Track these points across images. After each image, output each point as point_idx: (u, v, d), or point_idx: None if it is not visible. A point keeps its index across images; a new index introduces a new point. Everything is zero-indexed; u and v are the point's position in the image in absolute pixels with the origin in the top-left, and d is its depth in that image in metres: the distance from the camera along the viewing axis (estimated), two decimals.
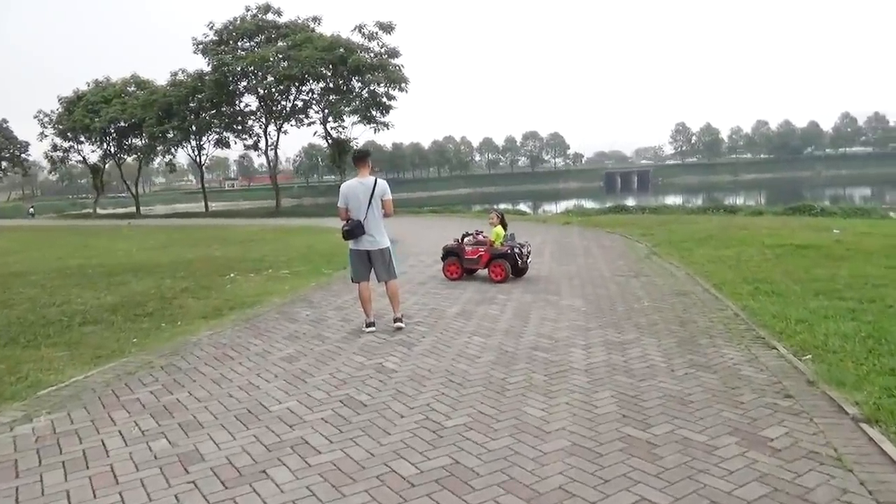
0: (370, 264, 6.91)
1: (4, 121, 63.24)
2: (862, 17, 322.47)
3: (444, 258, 10.29)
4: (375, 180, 6.76)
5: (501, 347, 6.02)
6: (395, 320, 6.96)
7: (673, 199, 73.59)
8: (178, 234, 22.36)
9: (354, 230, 6.71)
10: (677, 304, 7.65)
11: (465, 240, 10.13)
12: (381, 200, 6.77)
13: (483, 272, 10.06)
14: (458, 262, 10.03)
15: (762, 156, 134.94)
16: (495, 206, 30.09)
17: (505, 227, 10.00)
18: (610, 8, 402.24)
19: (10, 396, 5.00)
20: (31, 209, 59.86)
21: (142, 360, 6.00)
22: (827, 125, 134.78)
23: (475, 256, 9.87)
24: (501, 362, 5.55)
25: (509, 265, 9.56)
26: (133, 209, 54.71)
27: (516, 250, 9.62)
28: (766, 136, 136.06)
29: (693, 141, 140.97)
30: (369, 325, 6.87)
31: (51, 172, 58.94)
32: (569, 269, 10.89)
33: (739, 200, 71.10)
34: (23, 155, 64.60)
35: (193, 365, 5.78)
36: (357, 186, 6.74)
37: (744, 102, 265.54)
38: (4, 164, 66.32)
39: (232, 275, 11.51)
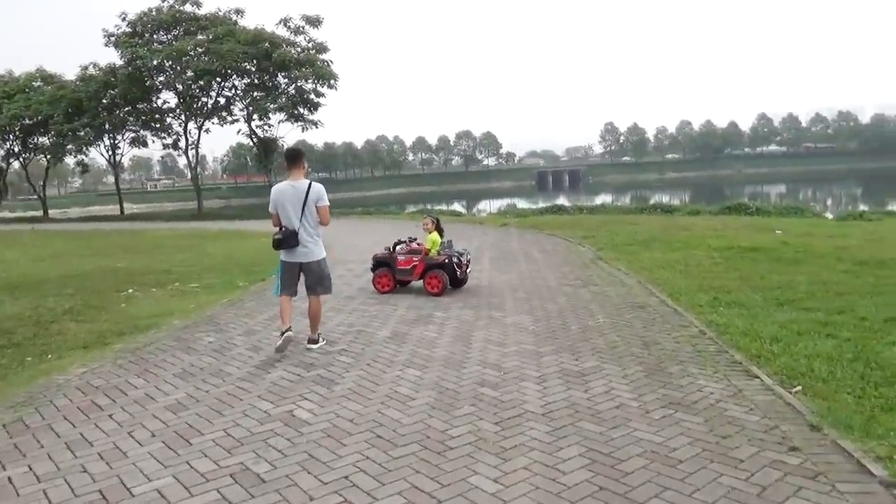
0: (298, 278, 6.24)
1: None
2: (777, 20, 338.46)
3: (373, 269, 9.21)
4: (310, 184, 6.03)
5: (441, 384, 5.00)
6: (311, 341, 6.22)
7: (604, 198, 74.75)
8: (80, 241, 20.33)
9: (287, 239, 6.02)
10: (635, 321, 6.83)
11: (398, 248, 9.09)
12: (317, 207, 6.07)
13: (418, 284, 9.04)
14: (389, 274, 8.98)
15: (685, 156, 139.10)
16: (429, 212, 29.11)
17: (441, 233, 9.02)
18: (540, 7, 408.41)
19: None
20: None
21: None
22: (745, 125, 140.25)
23: (409, 267, 8.84)
24: (441, 405, 4.54)
25: (447, 276, 8.58)
26: (43, 212, 50.97)
27: (454, 259, 8.65)
28: (689, 135, 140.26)
29: (621, 140, 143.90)
30: (285, 332, 5.99)
31: None
32: (511, 277, 10.00)
33: (666, 198, 72.77)
34: None
35: (48, 421, 4.51)
36: (288, 190, 6.04)
37: (669, 103, 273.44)
38: None
39: (130, 290, 10.07)
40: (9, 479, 3.62)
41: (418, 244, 9.08)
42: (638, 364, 5.33)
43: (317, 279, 6.22)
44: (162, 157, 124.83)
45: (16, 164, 50.59)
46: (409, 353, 5.88)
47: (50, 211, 51.65)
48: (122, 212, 46.70)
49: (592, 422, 4.16)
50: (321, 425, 4.23)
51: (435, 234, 8.89)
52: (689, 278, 9.07)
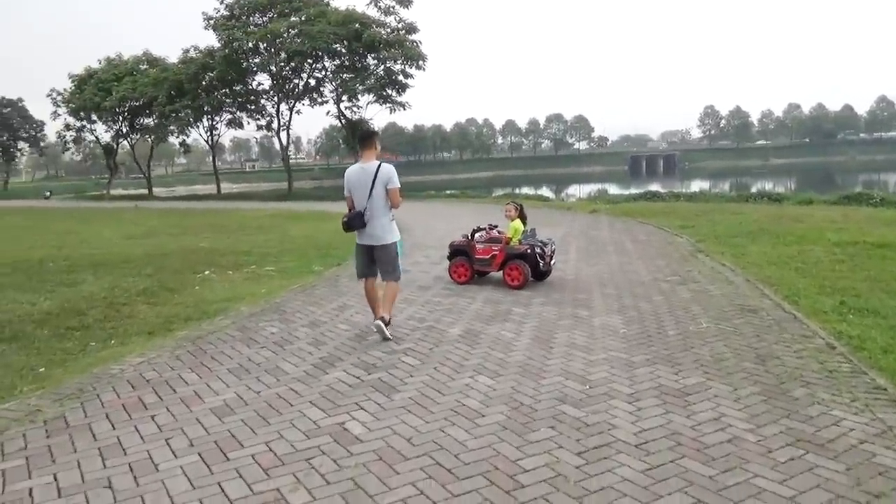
0: (373, 261, 6.06)
1: (20, 100, 62.46)
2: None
3: (450, 258, 8.62)
4: (379, 165, 5.84)
5: (515, 397, 4.35)
6: (380, 320, 5.86)
7: (700, 185, 71.23)
8: (174, 220, 20.91)
9: (353, 222, 5.91)
10: (746, 327, 5.90)
11: (477, 235, 8.44)
12: (386, 189, 5.86)
13: (497, 275, 8.38)
14: (467, 263, 8.36)
15: (793, 140, 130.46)
16: (512, 197, 28.23)
17: (524, 220, 8.29)
18: None
19: None
20: (48, 192, 59.05)
21: (26, 406, 4.42)
22: (862, 109, 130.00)
23: (488, 256, 8.18)
24: (514, 425, 3.89)
25: (528, 268, 7.86)
26: (148, 190, 53.75)
27: (537, 250, 7.91)
28: (798, 119, 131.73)
29: (722, 125, 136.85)
30: (377, 322, 5.87)
31: (63, 152, 57.86)
32: (600, 270, 9.15)
33: (769, 186, 68.56)
34: (38, 134, 63.84)
35: (90, 419, 4.19)
36: (359, 172, 5.90)
37: (776, 85, 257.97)
38: (21, 143, 65.75)
39: (207, 272, 9.96)
40: (30, 490, 3.27)
41: (499, 232, 8.40)
42: (752, 384, 4.47)
43: (385, 265, 6.02)
44: (259, 139, 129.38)
45: (125, 144, 53.33)
46: (481, 357, 5.25)
47: (155, 189, 54.37)
48: (218, 191, 48.48)
49: (699, 460, 3.39)
50: (374, 444, 3.68)
51: (517, 222, 8.19)
52: (808, 278, 7.95)
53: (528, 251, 7.87)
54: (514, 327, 6.13)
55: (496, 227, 8.61)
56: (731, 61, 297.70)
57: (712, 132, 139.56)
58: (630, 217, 16.47)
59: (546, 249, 8.02)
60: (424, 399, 4.35)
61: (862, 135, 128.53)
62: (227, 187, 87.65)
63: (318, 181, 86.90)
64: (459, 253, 8.50)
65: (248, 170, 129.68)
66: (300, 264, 10.69)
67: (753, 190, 59.47)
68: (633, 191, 32.95)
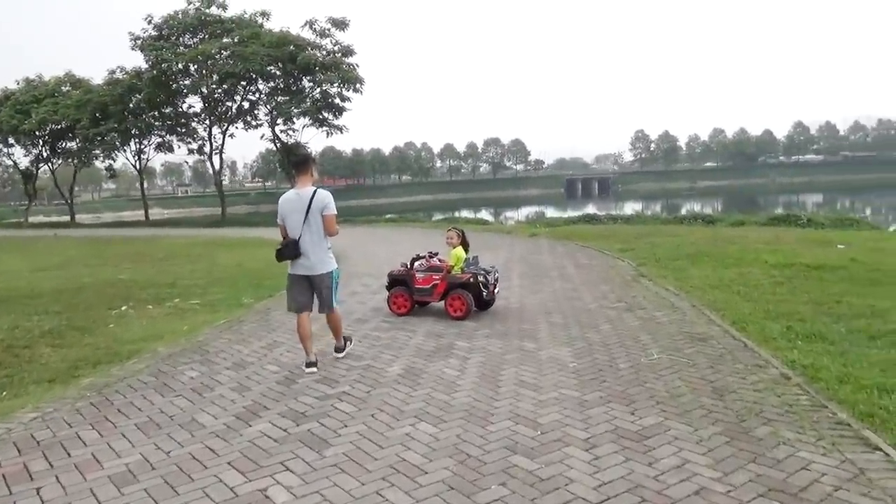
0: (310, 291, 5.76)
1: None
2: (813, 27, 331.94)
3: (389, 287, 8.17)
4: (315, 191, 5.59)
5: (461, 447, 3.92)
6: (337, 349, 6.04)
7: (633, 206, 73.03)
8: (94, 249, 19.66)
9: (286, 251, 5.63)
10: (698, 357, 5.67)
11: (417, 264, 8.03)
12: (322, 216, 5.59)
13: (439, 305, 7.98)
14: (406, 293, 7.92)
15: (717, 164, 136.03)
16: (454, 222, 27.99)
17: (466, 247, 7.94)
18: (570, 14, 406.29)
19: None
20: None
21: None
22: (781, 133, 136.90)
23: (429, 286, 7.77)
24: (461, 484, 3.46)
25: (471, 297, 7.49)
26: (70, 217, 51.09)
27: (480, 278, 7.55)
28: (722, 143, 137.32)
29: (652, 148, 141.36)
30: (310, 364, 5.67)
31: None
32: (544, 297, 8.87)
33: (698, 207, 70.85)
34: None
35: None
36: (293, 199, 5.63)
37: (701, 110, 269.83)
38: None
39: (125, 307, 9.18)
40: None
41: (440, 260, 8.02)
42: (713, 422, 4.19)
43: (323, 294, 5.76)
44: (193, 163, 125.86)
45: (47, 169, 50.66)
46: (423, 399, 4.80)
47: (80, 216, 51.77)
48: (147, 217, 46.48)
49: None
50: None
51: (459, 249, 7.83)
52: (751, 302, 7.85)
53: (471, 280, 7.51)
54: (457, 363, 5.72)
55: (437, 254, 8.23)
56: (660, 87, 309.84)
57: (643, 155, 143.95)
58: (570, 240, 16.39)
59: (489, 277, 7.68)
60: (360, 454, 3.87)
61: (781, 158, 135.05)
62: (158, 213, 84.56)
63: (255, 206, 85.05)
64: (398, 283, 8.06)
65: (180, 195, 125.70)
66: (229, 296, 10.02)
67: (683, 211, 61.29)
68: (572, 213, 33.21)
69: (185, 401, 4.99)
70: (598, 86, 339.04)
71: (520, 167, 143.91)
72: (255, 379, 5.50)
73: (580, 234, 17.22)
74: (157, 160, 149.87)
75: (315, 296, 5.78)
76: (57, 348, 6.96)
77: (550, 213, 62.26)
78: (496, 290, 7.88)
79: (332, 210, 5.62)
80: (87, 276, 12.54)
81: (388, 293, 8.14)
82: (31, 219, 53.66)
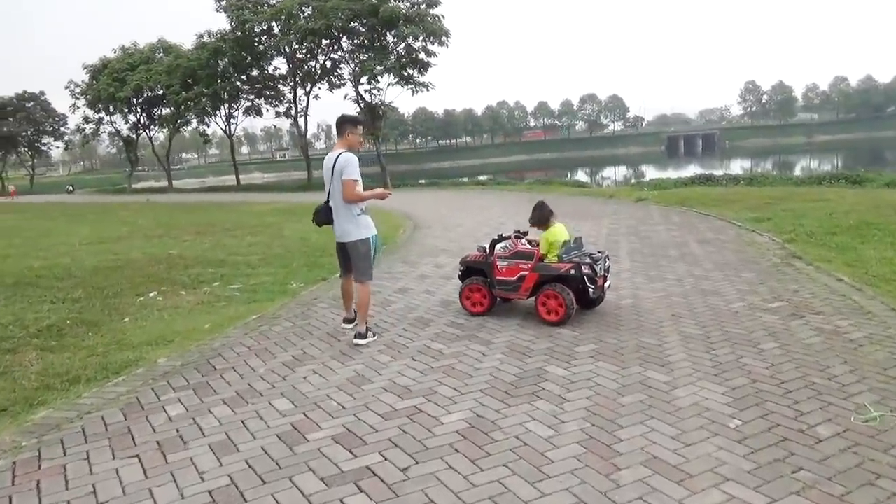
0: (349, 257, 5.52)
1: (42, 93, 61.53)
2: None
3: (462, 277, 6.27)
4: (338, 155, 5.32)
5: None
6: (357, 335, 5.43)
7: (742, 164, 67.47)
8: (168, 217, 18.89)
9: (319, 215, 5.59)
10: None
11: (499, 248, 6.07)
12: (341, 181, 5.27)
13: (527, 302, 6.02)
14: (485, 287, 5.99)
15: (838, 115, 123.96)
16: (543, 182, 25.41)
17: (545, 222, 5.83)
18: None
19: None
20: (70, 187, 58.28)
21: None
22: None
23: (514, 278, 5.81)
24: None
25: (572, 296, 5.45)
26: (169, 182, 52.42)
27: (585, 270, 5.49)
28: (844, 93, 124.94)
29: (764, 100, 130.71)
30: (347, 321, 5.82)
31: (83, 145, 56.72)
32: (667, 289, 6.70)
33: (815, 164, 64.38)
34: (62, 128, 63.07)
35: None
36: (326, 163, 5.47)
37: (821, 57, 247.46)
38: (46, 138, 65.13)
39: (153, 293, 7.79)
40: None
41: (529, 241, 6.02)
42: None
43: (355, 263, 5.44)
44: (290, 127, 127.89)
45: (147, 136, 51.94)
46: (492, 490, 2.91)
47: (186, 180, 52.99)
48: (238, 182, 46.76)
49: None
50: None
51: (557, 228, 5.78)
52: None
53: (572, 271, 5.47)
54: (549, 411, 3.77)
55: (526, 233, 6.23)
56: (773, 33, 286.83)
57: (754, 109, 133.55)
58: (686, 206, 13.86)
59: (598, 267, 5.59)
60: None
61: None
62: (258, 177, 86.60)
63: None
64: (475, 272, 6.14)
65: (278, 159, 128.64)
66: (277, 279, 8.47)
67: (798, 169, 55.74)
68: (675, 173, 30.03)
69: (138, 471, 3.32)
70: (704, 35, 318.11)
71: (618, 125, 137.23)
72: (251, 428, 3.77)
73: (697, 199, 14.60)
74: (256, 125, 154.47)
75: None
76: (46, 353, 5.56)
77: (651, 172, 58.34)
78: (607, 285, 5.80)
79: (350, 175, 5.20)
80: (138, 251, 11.40)
81: (461, 284, 6.24)
82: (136, 185, 55.64)
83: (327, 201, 5.43)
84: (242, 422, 3.87)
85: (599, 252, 5.88)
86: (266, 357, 5.13)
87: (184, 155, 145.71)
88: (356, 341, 5.35)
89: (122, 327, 6.36)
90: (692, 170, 48.86)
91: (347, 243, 5.39)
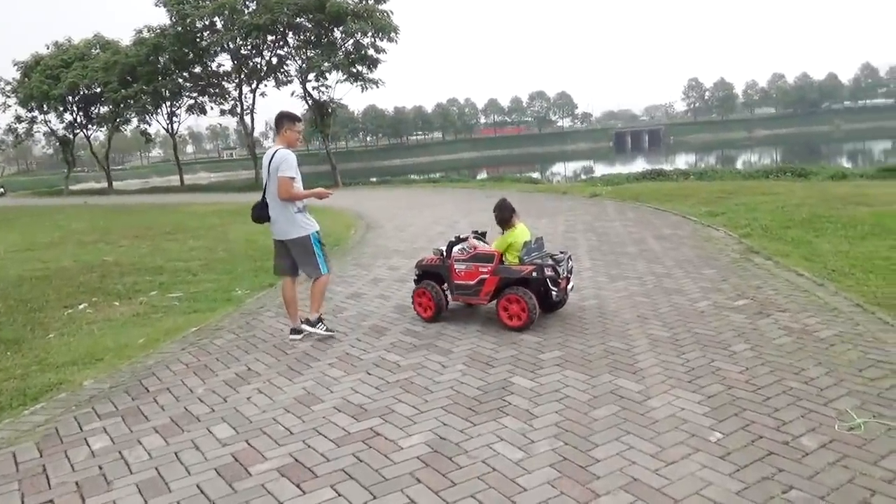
0: (291, 255, 5.44)
1: None
2: None
3: (418, 282, 5.92)
4: (276, 151, 5.24)
5: None
6: (304, 322, 5.47)
7: (686, 158, 68.92)
8: (104, 220, 17.85)
9: (253, 212, 5.51)
10: None
11: (457, 250, 5.75)
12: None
13: (488, 306, 5.72)
14: (432, 292, 5.64)
15: (777, 111, 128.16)
16: (497, 180, 25.17)
17: (507, 221, 5.53)
18: None
19: None
20: (1, 188, 55.36)
21: None
22: (846, 76, 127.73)
23: (473, 281, 5.49)
24: None
25: (534, 300, 5.16)
26: (108, 184, 50.34)
27: (548, 272, 5.21)
28: (782, 90, 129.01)
29: (706, 97, 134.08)
30: (294, 331, 5.49)
31: (15, 146, 53.91)
32: (629, 287, 6.50)
33: (755, 158, 66.28)
34: None
35: None
36: (264, 159, 5.37)
37: (759, 55, 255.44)
38: None
39: (82, 305, 7.21)
40: None
41: (482, 244, 5.71)
42: None
43: (301, 261, 5.39)
44: (237, 125, 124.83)
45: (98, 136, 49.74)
46: None
47: (128, 181, 50.93)
48: (181, 183, 45.18)
49: None
50: None
51: (519, 229, 5.48)
52: None
53: (535, 274, 5.19)
54: (517, 429, 3.46)
55: (485, 234, 5.93)
56: (714, 32, 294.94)
57: (697, 105, 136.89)
58: (639, 202, 13.82)
59: (560, 268, 5.32)
60: None
61: (846, 103, 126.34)
62: (204, 177, 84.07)
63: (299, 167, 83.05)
64: (431, 276, 5.80)
65: (225, 158, 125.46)
66: (221, 285, 7.97)
67: (739, 164, 57.25)
68: (632, 169, 30.25)
69: None
70: (648, 34, 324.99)
71: (566, 122, 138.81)
72: (186, 462, 3.35)
73: (649, 194, 14.59)
74: (202, 123, 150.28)
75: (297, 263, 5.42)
76: None
77: (601, 168, 59.02)
78: (570, 286, 5.54)
79: (285, 172, 5.09)
80: (69, 258, 10.66)
81: (415, 288, 5.89)
82: (73, 187, 53.23)
83: (263, 198, 5.33)
84: (176, 454, 3.44)
85: (562, 252, 5.62)
86: (205, 375, 4.69)
87: (125, 156, 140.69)
88: (304, 327, 5.39)
89: (45, 345, 5.80)
90: (640, 165, 49.63)
91: (287, 241, 5.33)
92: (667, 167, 25.64)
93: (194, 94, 41.29)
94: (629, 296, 6.16)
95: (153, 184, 64.94)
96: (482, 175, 46.96)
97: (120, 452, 3.51)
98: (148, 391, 4.44)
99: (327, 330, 5.41)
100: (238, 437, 3.60)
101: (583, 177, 39.17)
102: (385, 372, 4.50)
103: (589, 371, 4.25)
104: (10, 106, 46.23)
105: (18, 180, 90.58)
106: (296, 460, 3.27)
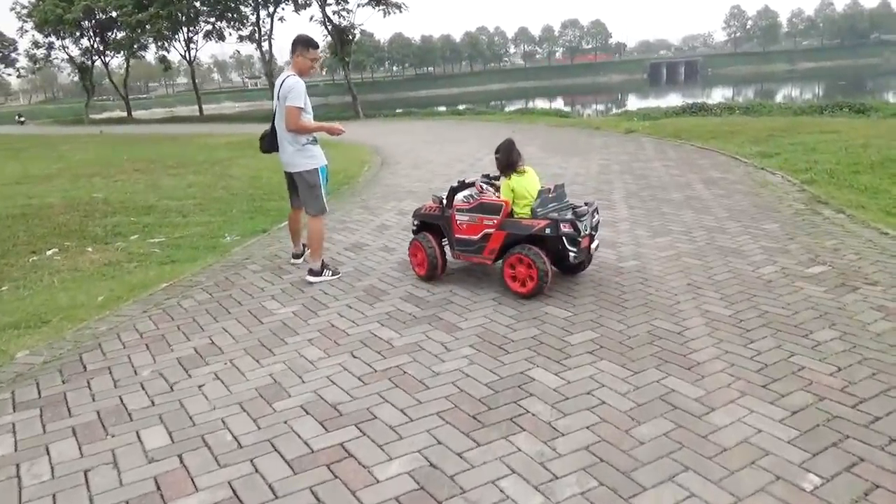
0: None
1: None
2: None
3: (416, 232, 4.98)
4: (285, 78, 4.82)
5: None
6: (310, 272, 5.00)
7: (723, 92, 65.66)
8: (112, 151, 17.06)
9: (263, 142, 5.24)
10: None
11: (461, 196, 4.76)
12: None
13: (495, 265, 4.77)
14: (429, 247, 4.69)
15: (822, 42, 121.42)
16: (516, 114, 23.66)
17: (512, 167, 4.48)
18: None
19: None
20: (20, 117, 54.75)
21: None
22: None
23: (476, 236, 4.53)
24: None
25: (547, 261, 4.19)
26: (128, 112, 49.61)
27: (565, 228, 4.21)
28: (830, 18, 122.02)
29: (748, 26, 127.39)
30: (295, 256, 5.50)
31: (34, 73, 53.12)
32: (675, 245, 5.48)
33: (796, 92, 62.85)
34: (13, 54, 59.00)
35: None
36: (276, 85, 4.96)
37: None
38: None
39: (54, 250, 6.43)
40: None
41: (492, 193, 4.70)
42: None
43: (303, 195, 5.05)
44: (266, 51, 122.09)
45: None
46: None
47: (153, 110, 50.04)
48: (200, 113, 44.16)
49: None
50: None
51: (527, 176, 4.46)
52: None
53: (548, 230, 4.19)
54: (536, 454, 2.56)
55: (497, 178, 4.91)
56: None
57: (737, 35, 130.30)
58: (681, 139, 12.55)
59: (581, 224, 4.30)
60: None
61: None
62: (228, 107, 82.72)
63: (323, 98, 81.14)
64: (430, 227, 4.86)
65: (249, 87, 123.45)
66: (209, 230, 7.14)
67: (780, 96, 54.28)
68: (667, 102, 28.49)
69: None
70: None
71: (600, 52, 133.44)
72: (94, 488, 2.54)
73: (692, 131, 13.27)
74: (227, 51, 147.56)
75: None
76: None
77: (633, 101, 56.57)
78: (594, 245, 4.53)
79: (294, 102, 4.74)
80: (58, 194, 9.88)
81: (411, 242, 4.95)
82: (95, 115, 52.59)
83: (272, 127, 5.08)
84: (85, 473, 2.63)
85: (586, 204, 4.56)
86: (159, 350, 3.87)
87: (149, 85, 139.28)
88: (308, 278, 4.99)
89: None
90: (675, 98, 47.23)
91: (293, 174, 5.05)
92: (708, 100, 23.93)
93: (211, 20, 39.81)
94: (676, 256, 5.16)
95: (177, 113, 63.99)
96: (510, 108, 45.07)
97: (17, 468, 2.70)
98: (85, 370, 3.64)
99: (333, 273, 5.06)
100: (171, 448, 2.78)
101: (617, 111, 37.32)
102: (374, 355, 3.62)
103: (630, 364, 3.32)
104: (27, 31, 45.26)
105: (45, 108, 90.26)
106: (235, 496, 2.43)
